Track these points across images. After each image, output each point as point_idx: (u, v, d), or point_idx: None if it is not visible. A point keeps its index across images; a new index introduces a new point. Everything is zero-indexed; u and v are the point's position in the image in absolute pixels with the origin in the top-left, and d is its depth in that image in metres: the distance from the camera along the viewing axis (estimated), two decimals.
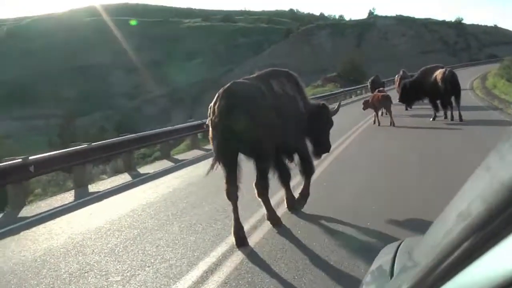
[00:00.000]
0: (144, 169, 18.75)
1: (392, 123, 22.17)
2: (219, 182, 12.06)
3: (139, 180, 15.66)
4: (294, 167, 9.22)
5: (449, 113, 22.02)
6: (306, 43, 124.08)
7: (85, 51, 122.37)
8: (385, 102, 22.96)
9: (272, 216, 8.19)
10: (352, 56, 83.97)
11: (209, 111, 7.52)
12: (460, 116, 21.23)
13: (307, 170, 9.08)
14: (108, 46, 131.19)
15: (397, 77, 30.76)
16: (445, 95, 21.58)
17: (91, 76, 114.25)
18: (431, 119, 22.55)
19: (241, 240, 7.43)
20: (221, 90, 7.45)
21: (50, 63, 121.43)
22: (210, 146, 20.79)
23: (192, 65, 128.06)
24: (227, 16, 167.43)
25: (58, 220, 10.86)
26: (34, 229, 10.28)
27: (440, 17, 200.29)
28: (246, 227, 8.01)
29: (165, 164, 19.32)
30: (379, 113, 23.59)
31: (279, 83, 8.48)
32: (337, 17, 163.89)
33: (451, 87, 21.31)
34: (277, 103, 8.02)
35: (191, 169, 16.70)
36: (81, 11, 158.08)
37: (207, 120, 7.65)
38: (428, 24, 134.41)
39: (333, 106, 10.27)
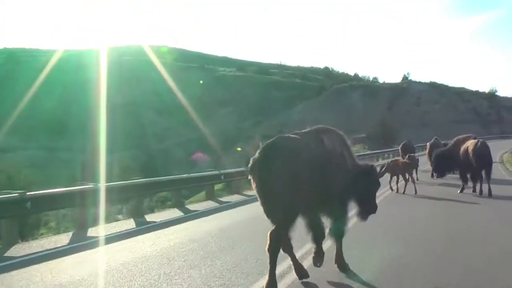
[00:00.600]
0: (151, 217, 18.21)
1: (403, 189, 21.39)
2: (223, 242, 11.33)
3: (143, 228, 15.13)
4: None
5: (478, 186, 20.86)
6: (338, 101, 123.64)
7: (120, 89, 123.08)
8: (406, 168, 22.05)
9: (271, 284, 7.56)
10: (383, 119, 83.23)
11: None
12: (489, 190, 20.11)
13: (339, 232, 8.89)
14: (142, 86, 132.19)
15: (428, 144, 29.84)
16: (476, 167, 20.43)
17: (123, 114, 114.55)
18: (459, 191, 21.42)
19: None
20: (265, 143, 7.65)
21: (83, 97, 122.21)
22: (225, 198, 20.23)
23: (223, 113, 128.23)
24: (262, 68, 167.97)
25: (43, 265, 10.25)
26: (13, 272, 9.64)
27: (473, 87, 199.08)
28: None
29: (174, 213, 18.83)
30: (396, 179, 22.74)
31: (329, 139, 8.61)
32: (371, 79, 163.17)
33: (482, 160, 20.20)
34: (325, 160, 8.13)
35: (199, 222, 16.00)
36: (118, 49, 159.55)
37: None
38: (462, 93, 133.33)
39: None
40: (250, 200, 21.31)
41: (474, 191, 20.96)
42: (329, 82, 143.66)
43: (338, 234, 8.84)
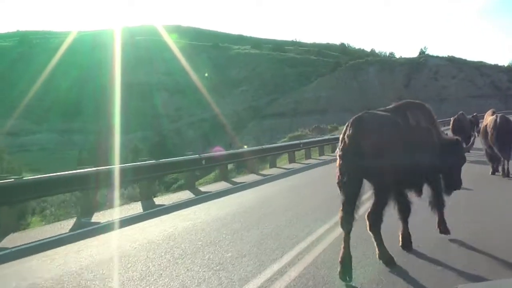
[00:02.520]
0: (161, 200, 17.72)
1: None
2: (221, 230, 10.60)
3: (154, 211, 14.70)
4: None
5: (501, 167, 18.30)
6: (353, 78, 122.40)
7: (133, 69, 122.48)
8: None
9: (384, 255, 7.74)
10: (399, 94, 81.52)
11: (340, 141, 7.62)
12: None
13: (440, 204, 9.10)
14: (155, 66, 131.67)
15: (452, 119, 27.15)
16: (497, 144, 18.32)
17: (136, 95, 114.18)
18: (490, 172, 19.37)
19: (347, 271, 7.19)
20: (351, 119, 7.56)
21: (97, 78, 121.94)
22: (239, 179, 19.23)
23: (237, 92, 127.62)
24: (277, 45, 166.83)
25: (38, 256, 9.68)
26: (24, 259, 9.43)
27: (492, 61, 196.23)
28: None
29: (185, 195, 18.33)
30: None
31: (415, 115, 8.55)
32: (387, 54, 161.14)
33: (506, 136, 18.08)
34: (412, 136, 8.09)
35: (208, 205, 15.41)
36: (131, 30, 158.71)
37: (336, 150, 7.83)
38: (480, 67, 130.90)
39: None
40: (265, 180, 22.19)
41: (493, 173, 19.15)
42: (344, 59, 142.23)
43: (439, 206, 9.08)
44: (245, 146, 31.98)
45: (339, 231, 8.06)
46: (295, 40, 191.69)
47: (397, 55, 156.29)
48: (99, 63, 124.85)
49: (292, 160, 31.72)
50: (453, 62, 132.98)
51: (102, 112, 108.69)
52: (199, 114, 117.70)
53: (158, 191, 23.66)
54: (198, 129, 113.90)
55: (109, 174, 16.19)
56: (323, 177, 20.08)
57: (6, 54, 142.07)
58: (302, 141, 36.20)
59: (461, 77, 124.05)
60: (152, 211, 14.77)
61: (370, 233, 7.72)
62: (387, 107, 8.69)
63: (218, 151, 29.04)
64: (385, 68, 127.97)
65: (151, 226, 12.19)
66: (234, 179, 23.29)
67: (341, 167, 7.44)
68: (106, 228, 12.36)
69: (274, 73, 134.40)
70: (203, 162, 21.99)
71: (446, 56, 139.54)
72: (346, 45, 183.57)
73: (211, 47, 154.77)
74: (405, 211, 8.59)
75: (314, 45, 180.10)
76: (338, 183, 7.48)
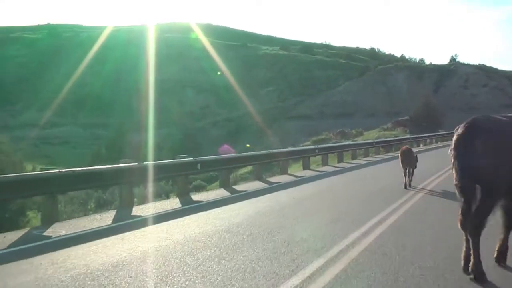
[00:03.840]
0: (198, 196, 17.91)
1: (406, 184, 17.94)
2: (252, 230, 10.05)
3: (190, 207, 14.77)
4: None
5: None
6: (381, 83, 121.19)
7: (162, 66, 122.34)
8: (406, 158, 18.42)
9: (477, 268, 7.07)
10: (427, 99, 79.94)
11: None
12: None
13: None
14: (183, 63, 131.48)
15: None
16: None
17: (163, 92, 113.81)
18: None
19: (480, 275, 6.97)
20: (466, 121, 7.47)
21: (125, 74, 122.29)
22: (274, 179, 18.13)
23: (263, 93, 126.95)
24: (306, 47, 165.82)
25: (89, 244, 9.86)
26: (55, 253, 9.21)
27: None
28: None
29: (222, 193, 18.15)
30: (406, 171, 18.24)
31: None
32: (417, 60, 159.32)
33: None
34: None
35: (240, 205, 14.84)
36: (163, 27, 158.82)
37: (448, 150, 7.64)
38: (511, 76, 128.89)
39: None
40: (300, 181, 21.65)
41: None
42: (373, 63, 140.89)
43: None
44: (248, 145, 30.77)
45: None
46: (324, 43, 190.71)
47: (427, 62, 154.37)
48: (131, 60, 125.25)
49: (306, 166, 28.59)
50: (483, 70, 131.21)
51: (126, 108, 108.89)
52: (225, 113, 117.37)
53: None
54: (222, 128, 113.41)
55: (145, 169, 16.42)
56: (333, 189, 18.97)
57: (36, 46, 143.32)
58: (318, 146, 34.15)
59: (491, 85, 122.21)
60: (191, 206, 15.00)
61: (469, 238, 7.22)
62: (502, 114, 8.19)
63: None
64: (415, 74, 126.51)
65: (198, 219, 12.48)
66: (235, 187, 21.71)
67: (455, 168, 7.33)
68: (148, 221, 12.60)
69: (301, 75, 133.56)
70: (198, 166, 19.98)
71: (477, 64, 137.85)
72: (376, 50, 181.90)
73: (240, 46, 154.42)
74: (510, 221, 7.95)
75: (343, 49, 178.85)
76: (455, 185, 7.35)
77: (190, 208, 14.57)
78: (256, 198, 16.15)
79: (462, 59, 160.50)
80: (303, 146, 36.69)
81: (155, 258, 8.46)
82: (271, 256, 8.34)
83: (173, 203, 15.95)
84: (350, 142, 40.51)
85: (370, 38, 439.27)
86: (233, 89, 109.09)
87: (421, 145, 50.68)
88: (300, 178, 23.00)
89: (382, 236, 9.74)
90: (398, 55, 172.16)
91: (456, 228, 7.41)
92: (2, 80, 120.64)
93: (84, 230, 11.35)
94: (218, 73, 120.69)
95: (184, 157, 18.95)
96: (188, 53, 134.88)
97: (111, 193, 21.58)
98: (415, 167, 18.48)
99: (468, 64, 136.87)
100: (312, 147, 33.71)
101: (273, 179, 23.10)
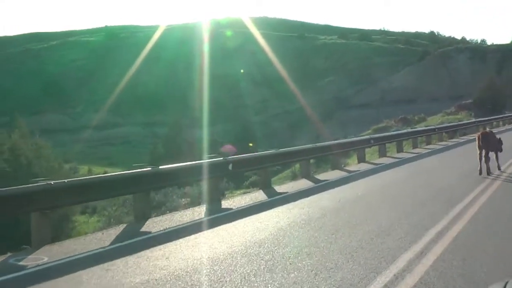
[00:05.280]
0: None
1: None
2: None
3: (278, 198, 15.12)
4: None
5: None
6: (442, 66, 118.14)
7: (219, 61, 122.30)
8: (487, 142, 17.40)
9: None
10: (491, 81, 76.91)
11: None
12: None
13: None
14: (240, 57, 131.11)
15: None
16: None
17: (219, 87, 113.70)
18: None
19: None
20: None
21: (184, 71, 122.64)
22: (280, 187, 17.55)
23: (322, 83, 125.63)
24: (364, 35, 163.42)
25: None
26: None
27: None
28: None
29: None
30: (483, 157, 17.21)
31: None
32: (478, 41, 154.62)
33: None
34: None
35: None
36: (219, 22, 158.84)
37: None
38: None
39: None
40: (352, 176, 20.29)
41: None
42: (433, 47, 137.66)
43: None
44: (250, 144, 29.77)
45: None
46: (382, 29, 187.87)
47: (489, 42, 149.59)
48: (186, 57, 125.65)
49: (361, 159, 26.16)
50: None
51: (184, 105, 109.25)
52: (283, 106, 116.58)
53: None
54: (283, 121, 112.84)
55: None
56: (387, 188, 16.70)
57: (93, 48, 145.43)
58: (373, 136, 31.09)
59: None
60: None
61: None
62: None
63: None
64: (476, 55, 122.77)
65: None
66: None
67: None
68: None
69: (360, 63, 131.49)
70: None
71: None
72: (436, 33, 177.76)
73: (297, 37, 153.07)
74: None
75: (402, 34, 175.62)
76: None
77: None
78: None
79: None
80: (360, 136, 33.95)
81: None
82: None
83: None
84: (409, 129, 37.26)
85: (429, 21, 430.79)
86: (291, 81, 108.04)
87: (487, 129, 48.71)
88: (352, 174, 21.13)
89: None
90: (459, 38, 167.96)
91: None
92: (62, 83, 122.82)
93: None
94: (242, 71, 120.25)
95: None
96: (243, 48, 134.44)
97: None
98: (501, 150, 17.69)
99: None
100: (367, 137, 30.81)
101: (321, 176, 21.21)
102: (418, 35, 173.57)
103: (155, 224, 12.13)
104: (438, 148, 32.50)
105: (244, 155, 19.38)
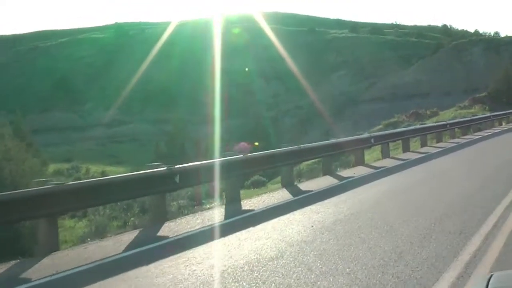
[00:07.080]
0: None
1: None
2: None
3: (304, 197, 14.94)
4: None
5: None
6: (456, 59, 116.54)
7: (227, 57, 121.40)
8: None
9: None
10: (506, 73, 75.00)
11: None
12: None
13: None
14: (250, 53, 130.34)
15: None
16: None
17: (230, 83, 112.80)
18: None
19: None
20: None
21: (195, 68, 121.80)
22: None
23: (334, 78, 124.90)
24: (376, 29, 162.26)
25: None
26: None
27: None
28: None
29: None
30: None
31: None
32: (492, 34, 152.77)
33: None
34: None
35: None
36: (230, 18, 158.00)
37: None
38: None
39: None
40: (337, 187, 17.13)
41: None
42: (447, 40, 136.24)
43: None
44: (256, 143, 28.78)
45: None
46: (395, 23, 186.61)
47: (502, 34, 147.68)
48: (197, 53, 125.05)
49: (359, 162, 23.37)
50: None
51: (195, 101, 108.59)
52: (296, 101, 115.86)
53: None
54: (295, 117, 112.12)
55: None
56: (381, 204, 13.72)
57: (103, 45, 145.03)
58: (373, 134, 26.63)
59: None
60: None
61: None
62: None
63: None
64: (491, 47, 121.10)
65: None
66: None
67: None
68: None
69: (372, 57, 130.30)
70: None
71: None
72: (449, 27, 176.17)
73: (307, 32, 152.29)
74: None
75: (414, 27, 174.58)
76: None
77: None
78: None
79: None
80: (358, 133, 30.30)
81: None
82: None
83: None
84: (418, 125, 34.17)
85: (441, 15, 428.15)
86: (303, 76, 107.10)
87: (503, 123, 47.31)
88: (339, 183, 18.05)
89: None
90: (472, 30, 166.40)
91: None
92: (71, 81, 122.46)
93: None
94: (246, 69, 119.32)
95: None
96: (255, 43, 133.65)
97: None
98: None
99: None
100: (366, 135, 25.95)
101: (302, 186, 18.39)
102: (430, 29, 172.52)
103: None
104: (450, 147, 29.51)
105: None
